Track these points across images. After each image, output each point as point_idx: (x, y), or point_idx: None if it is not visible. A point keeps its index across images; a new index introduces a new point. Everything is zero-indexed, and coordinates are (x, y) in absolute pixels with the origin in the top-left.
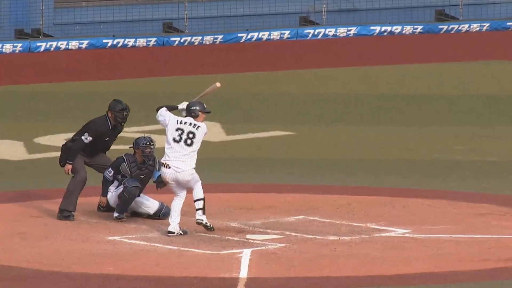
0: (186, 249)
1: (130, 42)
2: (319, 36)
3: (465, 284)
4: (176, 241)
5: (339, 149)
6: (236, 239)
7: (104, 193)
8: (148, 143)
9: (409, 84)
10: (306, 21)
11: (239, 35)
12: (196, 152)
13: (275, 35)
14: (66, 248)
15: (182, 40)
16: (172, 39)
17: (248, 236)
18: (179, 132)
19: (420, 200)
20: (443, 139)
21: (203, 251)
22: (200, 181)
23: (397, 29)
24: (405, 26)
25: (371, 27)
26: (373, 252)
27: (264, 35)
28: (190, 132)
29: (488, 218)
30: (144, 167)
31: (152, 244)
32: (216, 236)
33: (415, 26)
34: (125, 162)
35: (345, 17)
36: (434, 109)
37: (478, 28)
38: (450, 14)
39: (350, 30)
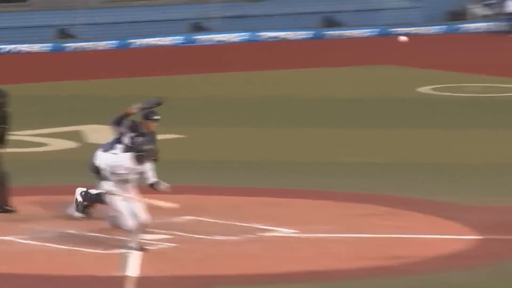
0: (77, 248)
1: (24, 48)
2: (211, 42)
3: (349, 282)
4: (68, 240)
5: (228, 151)
6: (125, 239)
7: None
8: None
9: (297, 87)
10: (198, 27)
11: (131, 41)
12: None
13: (167, 40)
14: None
15: (76, 46)
16: (66, 45)
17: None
18: None
19: (306, 200)
20: (328, 142)
21: (93, 251)
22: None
23: (287, 34)
24: (293, 32)
25: (261, 33)
26: (260, 251)
27: (156, 40)
28: None
29: (371, 218)
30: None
31: (44, 244)
32: (106, 236)
33: (302, 32)
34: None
35: (236, 23)
36: (320, 111)
37: (365, 34)
38: (338, 20)
39: (240, 36)
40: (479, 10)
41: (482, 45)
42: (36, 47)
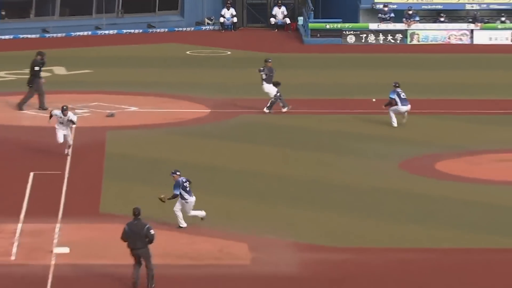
0: None
1: None
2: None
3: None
4: None
5: None
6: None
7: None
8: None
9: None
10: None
11: None
12: None
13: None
14: None
15: None
16: None
17: None
18: None
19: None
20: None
21: None
22: None
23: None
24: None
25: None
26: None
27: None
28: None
29: (163, 103)
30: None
31: None
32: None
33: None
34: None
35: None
36: (126, 65)
37: (167, 31)
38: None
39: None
40: (208, 21)
41: (213, 36)
42: None
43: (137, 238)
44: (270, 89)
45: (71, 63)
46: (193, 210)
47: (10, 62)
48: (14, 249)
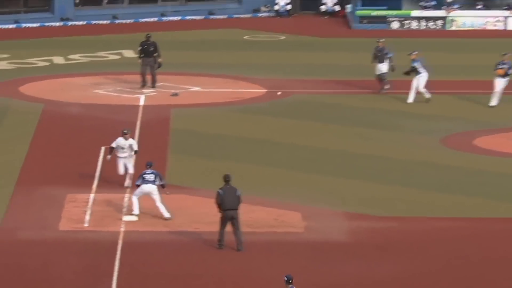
0: None
1: None
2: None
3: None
4: None
5: None
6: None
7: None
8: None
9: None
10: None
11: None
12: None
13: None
14: None
15: None
16: None
17: None
18: None
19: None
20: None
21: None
22: None
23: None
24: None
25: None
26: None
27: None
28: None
29: (227, 83)
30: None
31: None
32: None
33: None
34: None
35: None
36: (180, 48)
37: (231, 16)
38: (218, 12)
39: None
40: (264, 8)
41: (269, 22)
42: None
43: (231, 200)
44: (377, 68)
45: None
46: (160, 203)
47: (83, 46)
48: (87, 217)
